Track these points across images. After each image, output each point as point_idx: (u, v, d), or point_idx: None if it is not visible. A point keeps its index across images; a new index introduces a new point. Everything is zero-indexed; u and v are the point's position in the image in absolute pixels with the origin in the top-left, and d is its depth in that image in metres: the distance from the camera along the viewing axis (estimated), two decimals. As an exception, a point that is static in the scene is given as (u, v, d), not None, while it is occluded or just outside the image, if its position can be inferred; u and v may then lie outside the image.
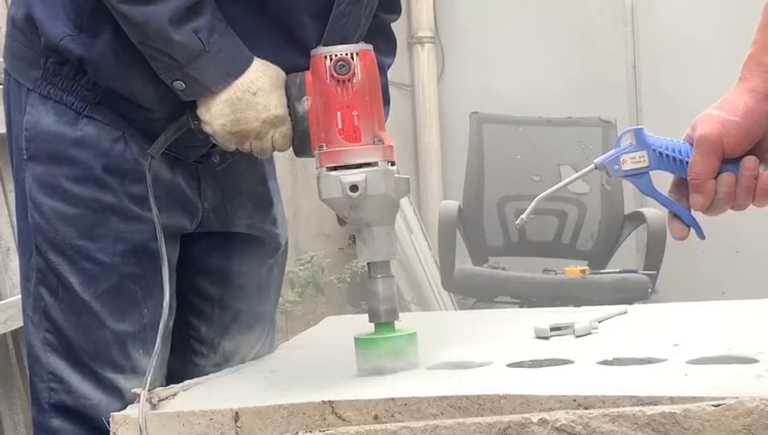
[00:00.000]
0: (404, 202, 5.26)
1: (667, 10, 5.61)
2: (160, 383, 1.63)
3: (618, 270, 4.41)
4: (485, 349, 1.67)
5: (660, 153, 1.43)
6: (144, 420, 1.45)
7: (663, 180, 1.47)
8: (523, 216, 1.54)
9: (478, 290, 4.54)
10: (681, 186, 1.43)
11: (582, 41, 5.72)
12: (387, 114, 1.80)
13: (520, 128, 4.95)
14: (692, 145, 1.40)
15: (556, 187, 1.54)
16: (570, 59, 5.70)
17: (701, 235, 1.44)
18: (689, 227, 1.44)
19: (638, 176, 1.45)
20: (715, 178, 1.39)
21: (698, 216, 1.43)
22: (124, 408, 1.57)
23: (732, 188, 1.39)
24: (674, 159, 1.42)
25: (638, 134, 1.45)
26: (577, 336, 1.73)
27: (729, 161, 1.39)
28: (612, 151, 1.45)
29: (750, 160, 1.38)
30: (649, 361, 1.51)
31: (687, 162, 1.41)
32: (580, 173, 1.52)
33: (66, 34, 1.62)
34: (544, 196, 1.52)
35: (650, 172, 1.45)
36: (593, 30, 5.73)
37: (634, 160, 1.44)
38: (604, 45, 5.71)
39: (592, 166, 1.47)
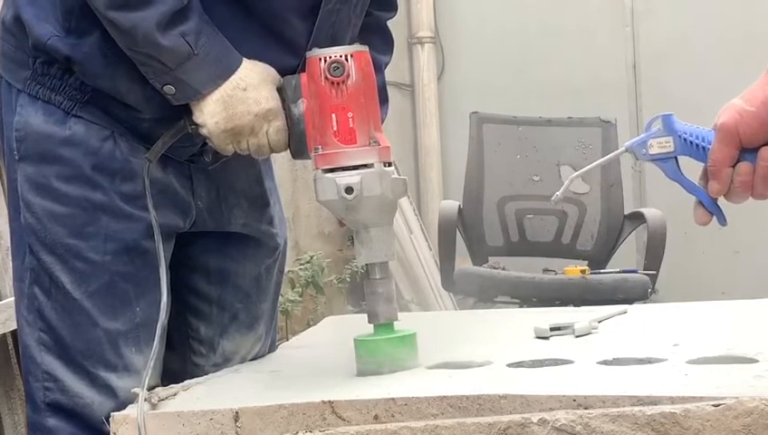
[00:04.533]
0: (404, 202, 5.26)
1: (667, 10, 5.61)
2: (155, 382, 1.63)
3: (618, 270, 4.40)
4: (485, 349, 1.67)
5: (685, 139, 1.45)
6: (143, 420, 1.45)
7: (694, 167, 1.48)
8: (558, 192, 1.56)
9: (478, 290, 4.53)
10: (707, 173, 1.45)
11: (582, 41, 5.72)
12: (385, 113, 1.80)
13: (520, 128, 4.94)
14: None
15: (590, 166, 1.59)
16: (570, 59, 5.70)
17: (722, 221, 1.45)
18: (712, 213, 1.45)
19: (664, 160, 1.48)
20: (734, 166, 1.40)
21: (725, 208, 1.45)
22: (118, 407, 1.57)
23: (749, 177, 1.39)
24: (698, 145, 1.44)
25: (666, 120, 1.47)
26: (577, 336, 1.73)
27: (749, 151, 1.40)
28: (642, 135, 1.48)
29: (767, 151, 1.39)
30: (649, 361, 1.51)
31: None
32: (612, 154, 1.55)
33: (53, 34, 1.62)
34: (579, 174, 1.57)
35: (679, 158, 1.47)
36: (593, 30, 5.73)
37: (660, 145, 1.47)
38: (604, 45, 5.71)
39: (623, 148, 1.50)
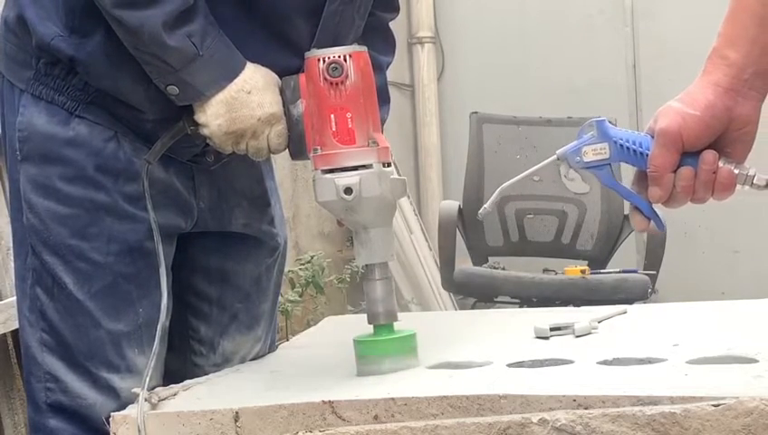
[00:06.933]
0: (404, 202, 5.26)
1: (667, 10, 5.60)
2: (157, 383, 1.63)
3: (618, 270, 4.40)
4: (485, 349, 1.67)
5: (621, 145, 1.44)
6: (143, 420, 1.45)
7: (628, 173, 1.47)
8: (486, 205, 1.54)
9: (478, 290, 4.53)
10: (643, 178, 1.44)
11: (582, 41, 5.72)
12: (387, 113, 1.80)
13: (520, 128, 4.94)
14: (653, 137, 1.41)
15: (518, 177, 1.54)
16: (570, 59, 5.70)
17: (660, 227, 1.45)
18: (650, 219, 1.44)
19: (600, 168, 1.46)
20: (675, 171, 1.39)
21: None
22: (120, 407, 1.57)
23: (690, 181, 1.39)
24: (634, 151, 1.43)
25: (600, 126, 1.45)
26: (577, 336, 1.73)
27: (689, 155, 1.39)
28: (574, 143, 1.46)
29: (709, 154, 1.38)
30: (649, 361, 1.51)
31: (648, 155, 1.41)
32: (541, 164, 1.52)
33: (57, 34, 1.62)
34: (507, 186, 1.53)
35: (613, 164, 1.45)
36: (593, 30, 5.72)
37: (595, 152, 1.45)
38: (604, 45, 5.71)
39: (555, 157, 1.47)
